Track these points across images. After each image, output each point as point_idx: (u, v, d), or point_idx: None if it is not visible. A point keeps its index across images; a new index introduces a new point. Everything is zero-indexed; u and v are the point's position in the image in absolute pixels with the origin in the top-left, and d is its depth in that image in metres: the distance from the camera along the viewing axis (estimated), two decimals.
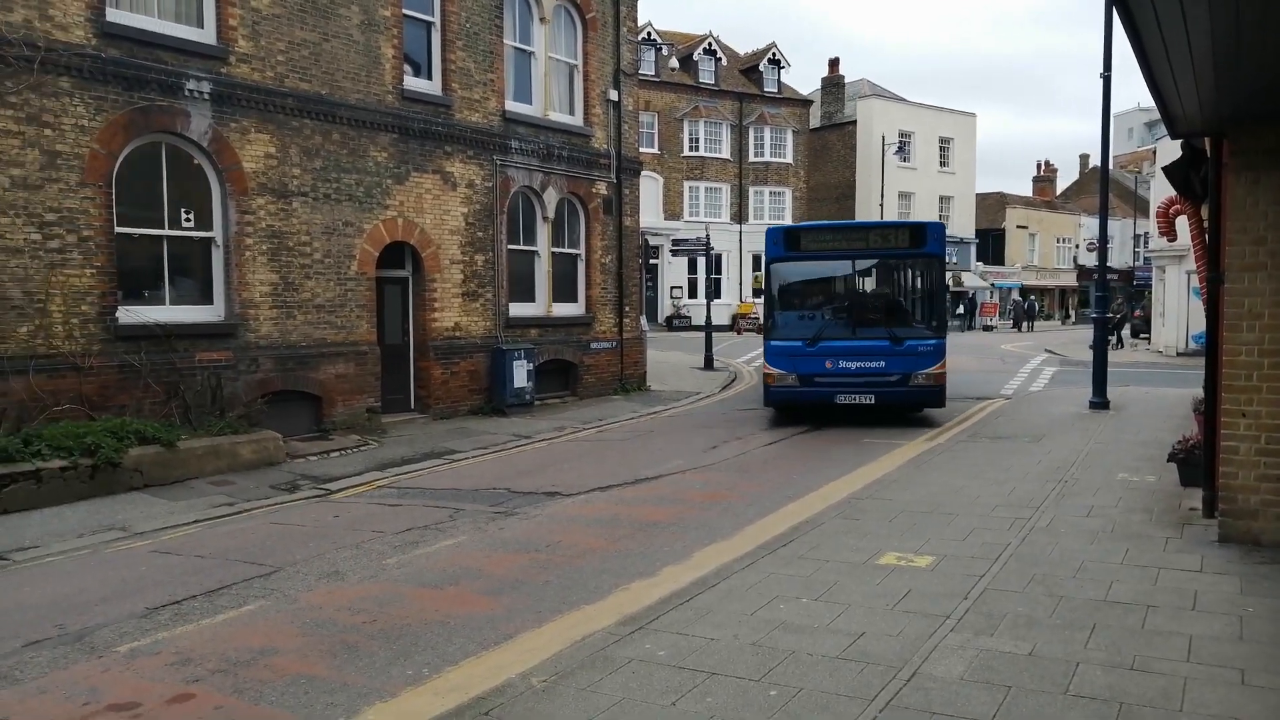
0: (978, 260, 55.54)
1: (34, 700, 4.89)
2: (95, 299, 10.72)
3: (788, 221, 42.63)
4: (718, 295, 40.33)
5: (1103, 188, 16.30)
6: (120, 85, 10.89)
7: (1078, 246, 63.14)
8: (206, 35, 11.90)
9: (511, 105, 16.32)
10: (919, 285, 14.77)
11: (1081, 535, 7.49)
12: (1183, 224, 10.36)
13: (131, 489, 9.88)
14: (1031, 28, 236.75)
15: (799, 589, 6.24)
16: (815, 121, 50.70)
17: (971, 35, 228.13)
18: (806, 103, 48.67)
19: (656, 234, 38.85)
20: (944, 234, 14.42)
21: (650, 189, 39.22)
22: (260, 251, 12.42)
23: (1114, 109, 16.69)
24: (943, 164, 52.89)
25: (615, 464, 11.57)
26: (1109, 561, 6.74)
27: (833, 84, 52.28)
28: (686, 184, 43.61)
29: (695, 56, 44.18)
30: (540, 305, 17.33)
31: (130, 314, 11.06)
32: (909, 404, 14.21)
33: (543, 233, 17.26)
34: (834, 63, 52.62)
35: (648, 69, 40.09)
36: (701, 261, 35.41)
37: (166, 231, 11.64)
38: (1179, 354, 28.71)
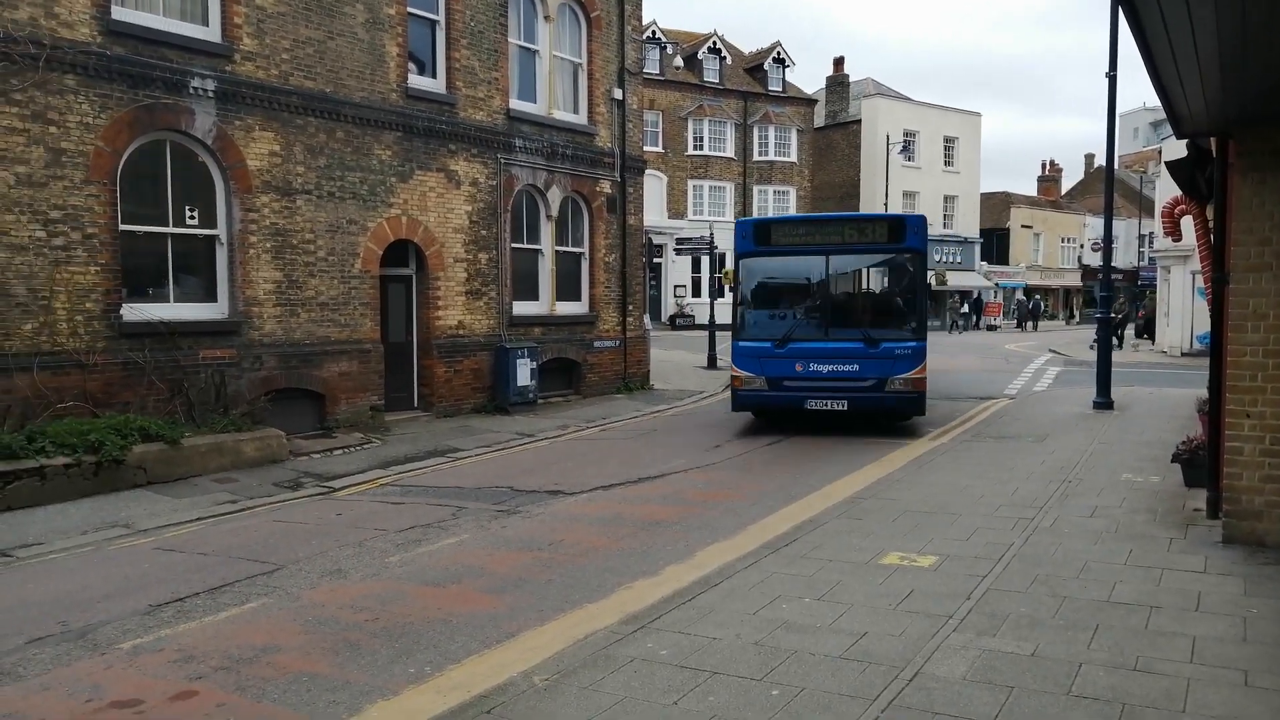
0: (982, 260, 55.43)
1: (37, 697, 4.90)
2: (99, 296, 10.74)
3: None
4: (721, 294, 40.22)
5: (1108, 187, 16.26)
6: (125, 83, 10.91)
7: (1082, 246, 63.03)
8: (211, 33, 11.91)
9: (516, 104, 16.32)
10: (898, 283, 13.95)
11: (1085, 536, 7.48)
12: (1188, 224, 10.33)
13: (135, 486, 9.90)
14: (1034, 26, 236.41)
15: (801, 588, 6.23)
16: (820, 120, 50.63)
17: (974, 33, 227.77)
18: (811, 102, 48.61)
19: (660, 233, 38.84)
20: (925, 228, 13.34)
21: (654, 188, 39.16)
22: (264, 249, 12.44)
23: (1119, 109, 16.65)
24: (947, 163, 52.78)
25: (618, 463, 11.57)
26: (1112, 562, 6.73)
27: (837, 83, 52.21)
28: (690, 183, 43.58)
29: (700, 55, 44.13)
30: (544, 304, 17.33)
31: (134, 311, 11.07)
32: (885, 411, 13.30)
33: (546, 231, 17.26)
34: (839, 61, 52.57)
35: (652, 67, 40.04)
36: (705, 260, 35.40)
37: (171, 229, 11.65)
38: (1183, 354, 28.65)
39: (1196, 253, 8.76)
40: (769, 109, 45.56)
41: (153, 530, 8.56)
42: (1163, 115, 8.34)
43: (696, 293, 41.52)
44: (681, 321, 40.09)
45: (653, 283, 38.76)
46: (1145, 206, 51.42)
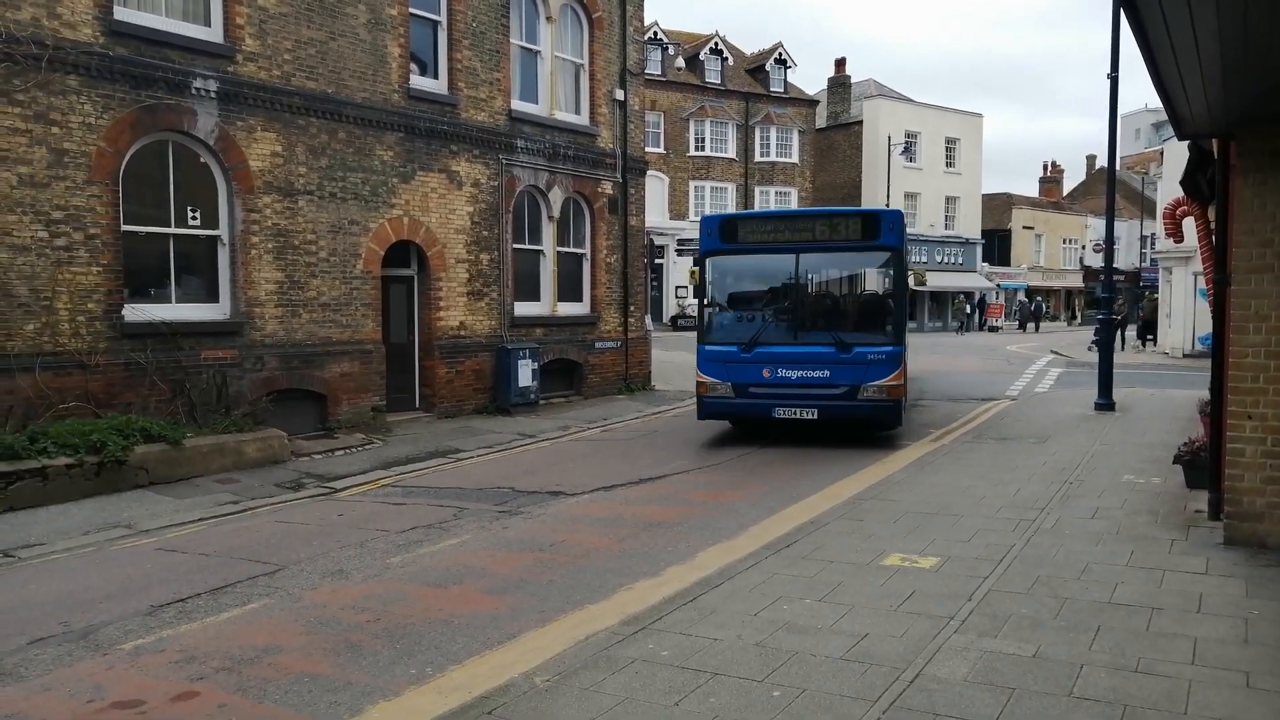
0: (984, 261, 55.43)
1: (39, 697, 4.90)
2: (101, 297, 10.75)
3: None
4: None
5: (1109, 189, 16.26)
6: (127, 84, 10.92)
7: (1084, 247, 63.05)
8: (214, 34, 11.92)
9: (517, 104, 16.33)
10: (873, 282, 13.02)
11: (1086, 537, 7.47)
12: (1190, 225, 10.33)
13: (137, 487, 9.91)
14: (1034, 26, 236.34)
15: (803, 590, 6.23)
16: (821, 121, 50.64)
17: (974, 34, 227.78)
18: (812, 103, 48.63)
19: (662, 233, 38.86)
20: (902, 223, 12.51)
21: (656, 188, 39.16)
22: (266, 250, 12.45)
23: (1121, 110, 16.64)
24: (949, 164, 52.77)
25: (619, 464, 11.57)
26: (1114, 563, 6.72)
27: (839, 84, 52.24)
28: (692, 184, 43.59)
29: (701, 56, 44.16)
30: (545, 304, 17.33)
31: (136, 312, 11.08)
32: (859, 420, 12.42)
33: (548, 232, 17.27)
34: (840, 62, 52.60)
35: (654, 68, 40.09)
36: None
37: (173, 230, 11.67)
38: (1185, 355, 28.64)
39: (1198, 254, 8.77)
40: (770, 110, 45.58)
41: (155, 531, 8.56)
42: (1164, 117, 8.33)
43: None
44: (683, 322, 40.05)
45: (654, 284, 38.75)
46: (1147, 207, 51.44)
